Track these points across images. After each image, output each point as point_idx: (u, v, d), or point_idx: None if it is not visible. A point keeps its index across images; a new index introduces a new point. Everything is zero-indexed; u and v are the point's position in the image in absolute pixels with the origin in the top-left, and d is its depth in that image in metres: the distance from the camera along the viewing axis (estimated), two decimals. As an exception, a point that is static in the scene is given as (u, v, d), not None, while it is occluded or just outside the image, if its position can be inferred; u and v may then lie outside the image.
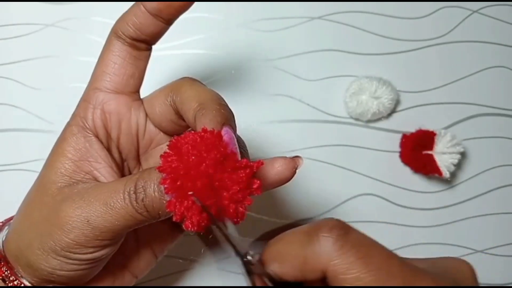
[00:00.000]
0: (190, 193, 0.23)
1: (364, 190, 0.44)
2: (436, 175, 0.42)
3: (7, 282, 0.28)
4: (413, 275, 0.22)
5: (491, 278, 0.45)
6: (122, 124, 0.30)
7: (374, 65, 0.44)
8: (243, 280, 0.43)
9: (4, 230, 0.30)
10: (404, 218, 0.44)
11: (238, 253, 0.24)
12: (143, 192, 0.25)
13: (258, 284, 0.24)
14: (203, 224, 0.23)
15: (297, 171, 0.28)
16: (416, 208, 0.44)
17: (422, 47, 0.45)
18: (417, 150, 0.42)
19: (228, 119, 0.26)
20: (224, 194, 0.23)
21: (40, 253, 0.27)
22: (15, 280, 0.27)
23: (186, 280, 0.42)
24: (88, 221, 0.26)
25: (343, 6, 0.44)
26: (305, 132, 0.44)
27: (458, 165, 0.43)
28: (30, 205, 0.29)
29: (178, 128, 0.30)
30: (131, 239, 0.32)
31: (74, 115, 0.30)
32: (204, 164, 0.23)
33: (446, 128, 0.45)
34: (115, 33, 0.29)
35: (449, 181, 0.45)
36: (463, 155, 0.43)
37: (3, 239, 0.29)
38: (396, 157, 0.44)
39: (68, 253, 0.26)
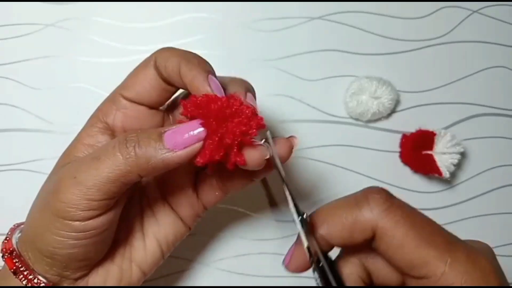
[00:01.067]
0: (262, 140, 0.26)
1: (364, 190, 0.44)
2: (436, 175, 0.42)
3: (18, 275, 0.28)
4: (452, 239, 0.25)
5: (491, 278, 0.45)
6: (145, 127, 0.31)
7: (374, 65, 0.44)
8: (244, 280, 0.43)
9: (18, 230, 0.30)
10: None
11: (298, 211, 0.26)
12: (136, 139, 0.26)
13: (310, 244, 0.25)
14: (221, 153, 0.26)
15: (293, 150, 0.29)
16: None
17: (422, 47, 0.45)
18: (417, 150, 0.42)
19: (210, 68, 0.29)
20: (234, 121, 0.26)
21: (41, 231, 0.27)
22: (26, 270, 0.28)
23: (186, 280, 0.42)
24: (74, 177, 0.26)
25: (343, 6, 0.44)
26: (305, 132, 0.44)
27: (458, 165, 0.43)
28: (41, 190, 0.30)
29: (167, 95, 0.31)
30: (138, 232, 0.32)
31: (97, 109, 0.31)
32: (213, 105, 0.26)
33: (446, 128, 0.45)
34: (156, 61, 0.29)
35: (449, 181, 0.45)
36: (463, 155, 0.43)
37: (18, 235, 0.30)
38: (396, 157, 0.44)
39: (63, 220, 0.26)
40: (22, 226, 0.30)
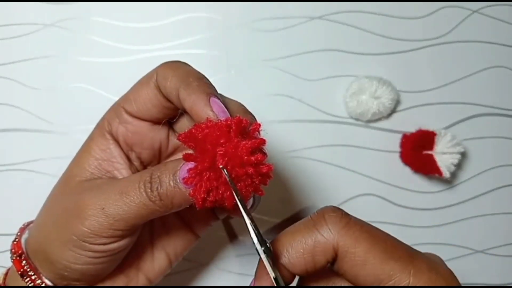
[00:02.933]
0: (220, 166, 0.24)
1: (364, 190, 0.44)
2: (436, 175, 0.42)
3: (25, 277, 0.28)
4: (411, 250, 0.25)
5: (491, 278, 0.45)
6: (144, 143, 0.31)
7: (374, 65, 0.44)
8: (243, 280, 0.43)
9: (27, 231, 0.30)
10: (404, 218, 0.44)
11: (262, 240, 0.25)
12: (158, 181, 0.26)
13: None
14: (226, 195, 0.25)
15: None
16: (416, 208, 0.44)
17: (422, 47, 0.45)
18: (417, 150, 0.42)
19: (212, 90, 0.27)
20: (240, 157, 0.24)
21: (56, 244, 0.27)
22: (34, 275, 0.28)
23: (187, 280, 0.42)
24: (103, 208, 0.26)
25: (343, 6, 0.44)
26: (305, 132, 0.44)
27: (458, 165, 0.43)
28: (52, 199, 0.30)
29: (169, 112, 0.30)
30: (146, 241, 0.32)
31: (103, 118, 0.31)
32: (215, 135, 0.24)
33: (446, 128, 0.45)
34: (157, 78, 0.29)
35: (449, 181, 0.45)
36: (463, 155, 0.43)
37: (26, 236, 0.30)
38: (396, 157, 0.44)
39: (83, 243, 0.26)
40: (31, 225, 0.30)
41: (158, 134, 0.31)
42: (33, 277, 0.28)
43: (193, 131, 0.25)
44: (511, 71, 0.46)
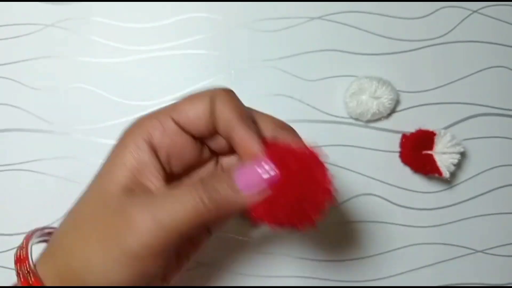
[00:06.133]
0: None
1: (364, 190, 0.44)
2: (436, 175, 0.42)
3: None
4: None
5: (491, 278, 0.45)
6: (182, 156, 0.29)
7: (374, 65, 0.44)
8: (244, 280, 0.43)
9: (32, 242, 0.28)
10: (404, 218, 0.44)
11: None
12: (213, 189, 0.25)
13: None
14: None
15: None
16: (416, 208, 0.44)
17: (422, 47, 0.45)
18: (417, 150, 0.42)
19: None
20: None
21: (100, 269, 0.25)
22: None
23: (187, 280, 0.42)
24: (156, 218, 0.25)
25: (343, 6, 0.44)
26: (305, 132, 0.43)
27: (458, 165, 0.43)
28: (85, 219, 0.27)
29: (214, 131, 0.29)
30: None
31: (139, 125, 0.29)
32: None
33: (446, 128, 0.45)
34: (214, 102, 0.28)
35: (449, 181, 0.45)
36: (463, 155, 0.43)
37: (39, 256, 0.27)
38: (396, 157, 0.44)
39: (133, 257, 0.25)
40: (39, 232, 0.29)
41: (195, 148, 0.30)
42: None
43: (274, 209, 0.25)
44: (511, 71, 0.46)
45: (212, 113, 0.28)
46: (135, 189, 0.27)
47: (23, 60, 0.42)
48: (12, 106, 0.41)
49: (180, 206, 0.25)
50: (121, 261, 0.25)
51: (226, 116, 0.27)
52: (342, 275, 0.43)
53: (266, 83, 0.43)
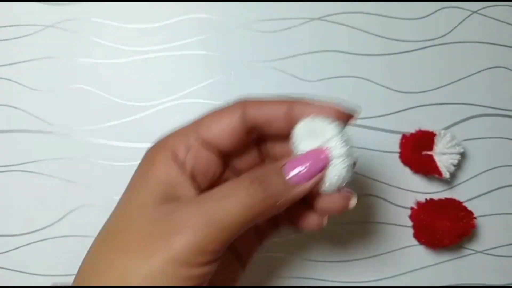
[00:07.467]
0: None
1: (364, 190, 0.44)
2: (436, 175, 0.42)
3: None
4: None
5: (491, 278, 0.45)
6: (208, 173, 0.29)
7: (374, 65, 0.44)
8: (243, 280, 0.43)
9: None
10: (404, 219, 0.44)
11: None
12: (265, 181, 0.25)
13: None
14: None
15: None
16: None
17: (422, 48, 0.45)
18: (417, 151, 0.42)
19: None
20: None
21: (146, 280, 0.23)
22: None
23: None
24: (206, 215, 0.24)
25: (343, 6, 0.44)
26: (305, 133, 0.43)
27: (458, 166, 0.43)
28: (120, 233, 0.25)
29: (239, 147, 0.29)
30: None
31: (166, 140, 0.28)
32: None
33: (446, 128, 0.45)
34: (245, 113, 0.28)
35: (449, 182, 0.45)
36: (463, 155, 0.43)
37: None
38: (396, 157, 0.44)
39: (179, 265, 0.23)
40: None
41: (218, 165, 0.29)
42: None
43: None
44: (511, 71, 0.46)
45: (245, 124, 0.28)
46: (171, 200, 0.26)
47: (23, 61, 0.42)
48: (11, 107, 0.41)
49: (231, 200, 0.24)
50: (167, 269, 0.23)
51: (301, 107, 0.27)
52: (342, 276, 0.43)
53: (266, 84, 0.43)
